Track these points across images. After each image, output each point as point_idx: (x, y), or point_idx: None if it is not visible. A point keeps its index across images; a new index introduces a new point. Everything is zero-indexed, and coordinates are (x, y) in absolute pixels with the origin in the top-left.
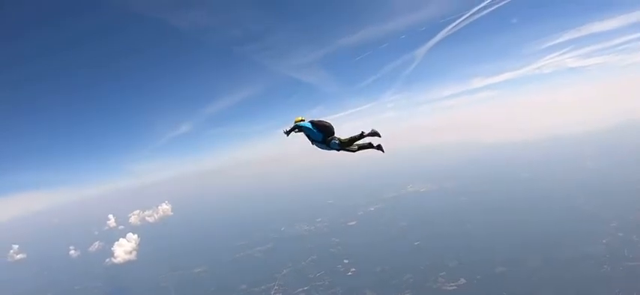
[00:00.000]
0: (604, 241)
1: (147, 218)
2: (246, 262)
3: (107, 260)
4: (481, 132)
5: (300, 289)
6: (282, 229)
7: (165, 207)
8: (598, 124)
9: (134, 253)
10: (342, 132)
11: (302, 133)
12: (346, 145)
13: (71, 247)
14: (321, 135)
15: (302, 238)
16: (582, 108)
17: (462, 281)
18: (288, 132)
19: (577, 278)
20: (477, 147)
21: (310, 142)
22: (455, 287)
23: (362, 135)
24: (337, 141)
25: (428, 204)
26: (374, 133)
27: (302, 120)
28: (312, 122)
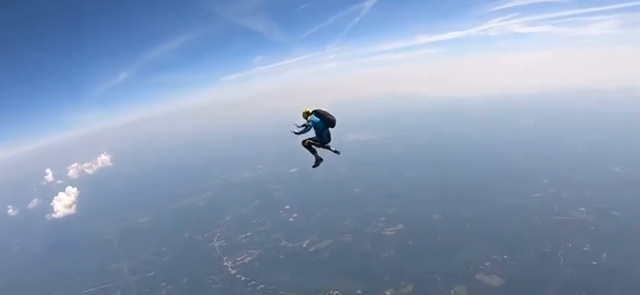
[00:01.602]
0: (536, 195)
1: (86, 170)
2: (188, 210)
3: (47, 215)
4: (424, 86)
5: (243, 235)
6: (224, 176)
7: (104, 158)
8: (539, 88)
9: (74, 207)
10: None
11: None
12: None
13: (9, 206)
14: (323, 125)
15: (244, 185)
16: (525, 73)
17: (400, 226)
18: (298, 133)
19: (509, 228)
20: (419, 101)
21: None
22: (393, 232)
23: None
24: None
25: (368, 153)
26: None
27: (310, 114)
28: (317, 113)
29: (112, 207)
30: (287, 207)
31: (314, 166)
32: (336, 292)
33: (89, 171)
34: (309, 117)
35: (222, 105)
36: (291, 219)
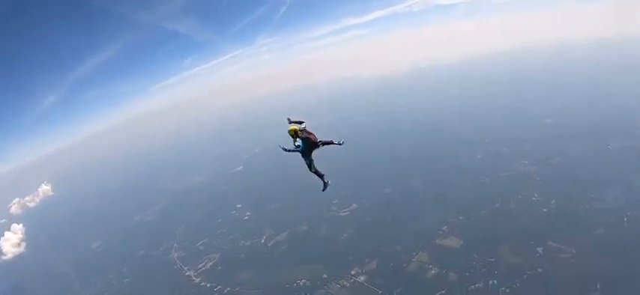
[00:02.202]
0: (479, 156)
1: (28, 204)
2: (140, 226)
3: None
4: (356, 68)
5: (200, 242)
6: (171, 186)
7: (45, 188)
8: (467, 56)
9: (23, 245)
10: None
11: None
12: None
13: None
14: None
15: (192, 191)
16: (451, 42)
17: (354, 206)
18: (288, 150)
19: (459, 191)
20: (353, 82)
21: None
22: (348, 213)
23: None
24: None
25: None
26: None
27: (296, 132)
28: (301, 137)
29: (62, 237)
30: (239, 205)
31: (323, 190)
32: (303, 280)
33: (31, 205)
34: (297, 142)
35: (158, 114)
36: (245, 218)
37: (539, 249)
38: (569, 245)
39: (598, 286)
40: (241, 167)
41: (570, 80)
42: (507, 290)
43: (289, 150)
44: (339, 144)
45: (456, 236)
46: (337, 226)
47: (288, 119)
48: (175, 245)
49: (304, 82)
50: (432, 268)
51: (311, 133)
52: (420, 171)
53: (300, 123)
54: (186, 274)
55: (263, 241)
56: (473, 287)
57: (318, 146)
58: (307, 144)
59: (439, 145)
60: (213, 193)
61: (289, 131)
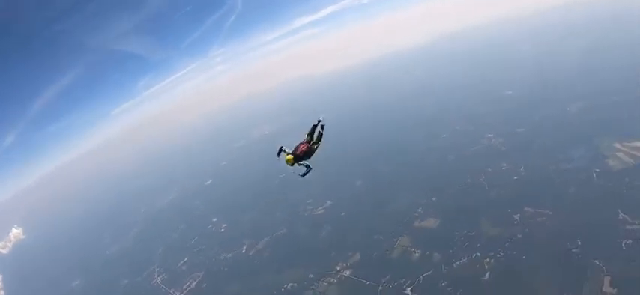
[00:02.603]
0: (444, 136)
1: (1, 251)
2: (119, 255)
3: None
4: (313, 66)
5: (181, 262)
6: (143, 209)
7: (16, 232)
8: (418, 41)
9: (2, 293)
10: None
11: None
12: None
13: None
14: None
15: (166, 211)
16: (404, 29)
17: (329, 202)
18: (305, 175)
19: (428, 172)
20: (309, 81)
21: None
22: (323, 210)
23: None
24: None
25: (276, 143)
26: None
27: (294, 158)
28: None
29: (41, 280)
30: (214, 219)
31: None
32: (290, 284)
33: (4, 251)
34: (302, 163)
35: (122, 138)
36: (222, 230)
37: (516, 216)
38: (544, 208)
39: (579, 242)
40: (210, 181)
41: (524, 52)
42: (492, 261)
43: (305, 174)
44: (321, 122)
45: (432, 216)
46: (315, 225)
47: (280, 148)
48: (157, 269)
49: (262, 88)
50: (415, 251)
51: (301, 145)
52: (389, 158)
53: (287, 151)
54: None
55: (244, 251)
56: (458, 263)
57: (314, 147)
58: (308, 155)
59: (404, 130)
60: (186, 210)
61: (287, 161)
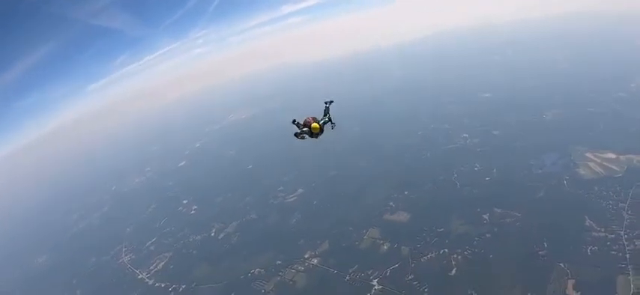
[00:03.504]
0: (420, 133)
1: None
2: (87, 233)
3: None
4: (295, 54)
5: (149, 242)
6: (114, 188)
7: None
8: (406, 38)
9: None
10: None
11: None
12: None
13: None
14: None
15: (136, 191)
16: (388, 25)
17: (301, 190)
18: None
19: (402, 167)
20: (294, 68)
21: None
22: (295, 198)
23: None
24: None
25: (253, 128)
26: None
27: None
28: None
29: (5, 256)
30: (185, 201)
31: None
32: (257, 269)
33: None
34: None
35: (97, 115)
36: (192, 212)
37: (486, 216)
38: (513, 210)
39: (545, 245)
40: (184, 162)
41: (506, 57)
42: (459, 257)
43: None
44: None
45: (403, 210)
46: (285, 212)
47: (295, 123)
48: (124, 248)
49: (242, 73)
50: (383, 243)
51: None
52: (364, 151)
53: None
54: (139, 277)
55: (213, 234)
56: (425, 258)
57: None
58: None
59: (381, 124)
60: (157, 191)
61: (314, 129)
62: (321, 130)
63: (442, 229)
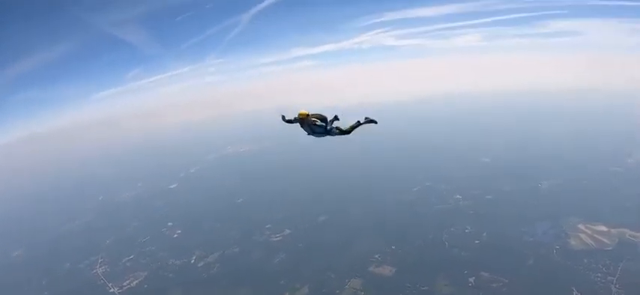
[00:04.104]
0: (415, 189)
1: None
2: (67, 237)
3: None
4: (303, 96)
5: (126, 258)
6: (101, 198)
7: None
8: (410, 96)
9: None
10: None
11: (297, 124)
12: (345, 132)
13: None
14: (323, 125)
15: (123, 205)
16: (397, 81)
17: (288, 231)
18: (287, 121)
19: (393, 221)
20: (297, 111)
21: (307, 133)
22: (280, 238)
23: (358, 124)
24: (336, 130)
25: (249, 163)
26: (370, 121)
27: (307, 116)
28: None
29: None
30: (170, 223)
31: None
32: None
33: None
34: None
35: (100, 123)
36: (175, 236)
37: (472, 279)
38: (501, 275)
39: None
40: (176, 185)
41: (507, 125)
42: None
43: (289, 121)
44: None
45: (389, 264)
46: (270, 250)
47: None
48: (101, 259)
49: (247, 108)
50: None
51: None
52: (356, 201)
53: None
54: (111, 291)
55: (193, 261)
56: None
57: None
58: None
59: (377, 178)
60: (144, 208)
61: (300, 115)
62: (326, 130)
63: (426, 287)
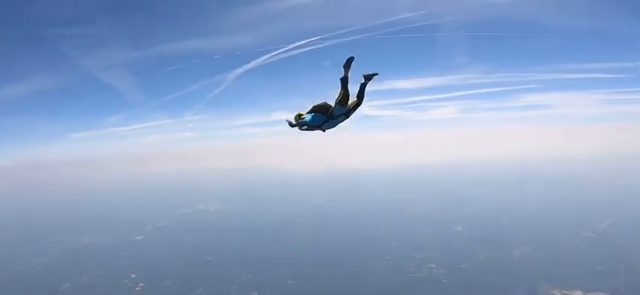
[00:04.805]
0: (387, 258)
1: None
2: (21, 278)
3: None
4: (278, 161)
5: None
6: (63, 240)
7: None
8: (386, 165)
9: None
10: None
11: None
12: (351, 106)
13: None
14: (323, 116)
15: (85, 251)
16: (375, 151)
17: (255, 294)
18: (293, 125)
19: (362, 287)
20: (272, 174)
21: (308, 129)
22: None
23: (363, 86)
24: (340, 107)
25: (220, 222)
26: (372, 75)
27: (302, 116)
28: (312, 112)
29: None
30: (133, 275)
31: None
32: None
33: None
34: (301, 119)
35: (69, 162)
36: (137, 289)
37: None
38: None
39: None
40: (142, 237)
41: (481, 194)
42: None
43: (294, 125)
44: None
45: None
46: None
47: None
48: None
49: (222, 166)
50: None
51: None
52: (326, 266)
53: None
54: None
55: None
56: None
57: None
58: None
59: (349, 245)
60: (107, 257)
61: (297, 116)
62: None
63: None
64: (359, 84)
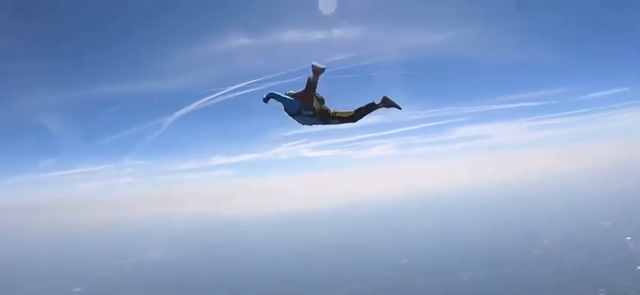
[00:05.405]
0: None
1: None
2: None
3: None
4: (218, 205)
5: None
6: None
7: None
8: (327, 205)
9: None
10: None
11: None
12: (335, 114)
13: None
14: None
15: None
16: (313, 191)
17: None
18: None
19: None
20: (215, 218)
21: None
22: None
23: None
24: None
25: (161, 272)
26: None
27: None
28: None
29: None
30: None
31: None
32: None
33: None
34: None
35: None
36: None
37: None
38: None
39: None
40: (80, 289)
41: (424, 225)
42: None
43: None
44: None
45: None
46: None
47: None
48: None
49: (164, 212)
50: None
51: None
52: None
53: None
54: None
55: None
56: None
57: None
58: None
59: (294, 284)
60: None
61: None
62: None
63: None
64: (372, 102)
